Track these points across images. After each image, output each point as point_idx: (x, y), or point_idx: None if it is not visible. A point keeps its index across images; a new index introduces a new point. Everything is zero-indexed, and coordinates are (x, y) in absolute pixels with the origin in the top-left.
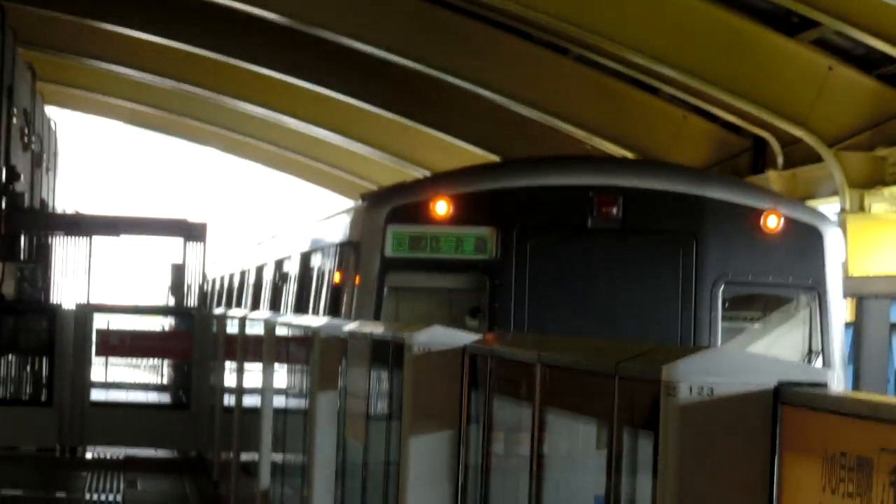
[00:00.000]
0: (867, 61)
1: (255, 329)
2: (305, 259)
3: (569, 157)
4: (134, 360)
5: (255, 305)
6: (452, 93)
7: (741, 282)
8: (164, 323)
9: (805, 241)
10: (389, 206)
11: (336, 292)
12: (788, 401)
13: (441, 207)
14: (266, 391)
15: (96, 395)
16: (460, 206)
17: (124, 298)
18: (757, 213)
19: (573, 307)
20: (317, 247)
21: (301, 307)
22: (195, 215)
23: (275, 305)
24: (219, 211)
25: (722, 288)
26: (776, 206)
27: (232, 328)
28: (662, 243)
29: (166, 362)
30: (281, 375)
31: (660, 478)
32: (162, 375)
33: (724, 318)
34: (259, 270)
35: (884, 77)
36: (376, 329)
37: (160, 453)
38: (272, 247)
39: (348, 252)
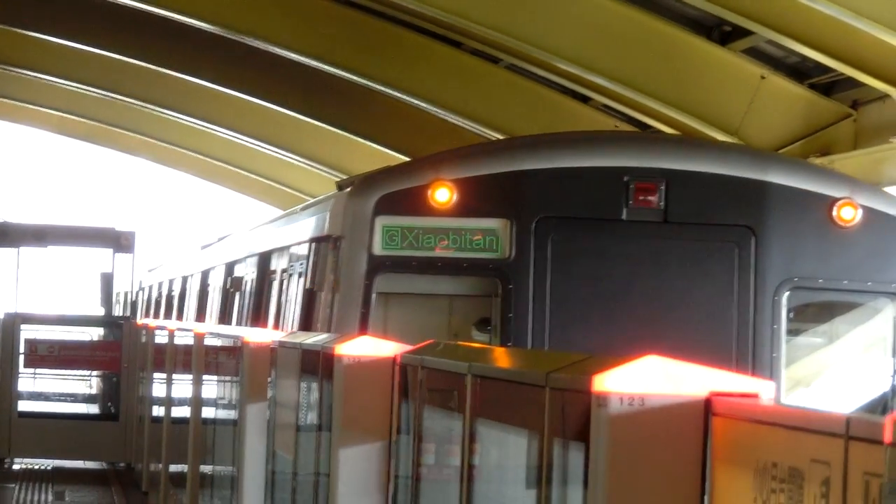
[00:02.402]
0: (799, 70)
1: (185, 339)
2: (265, 261)
3: (600, 133)
4: (63, 371)
5: (201, 316)
6: (384, 102)
7: (810, 286)
8: (93, 333)
9: (888, 237)
10: (378, 192)
11: (309, 300)
12: (719, 412)
13: (442, 195)
14: (195, 402)
15: (24, 406)
16: (466, 193)
17: (53, 308)
18: (829, 203)
19: (605, 318)
20: (282, 245)
21: (261, 318)
22: (124, 225)
23: (225, 316)
24: (148, 221)
25: (786, 294)
26: (852, 195)
27: (161, 339)
28: (714, 239)
29: (95, 373)
30: (211, 386)
31: (590, 489)
32: (91, 386)
33: (788, 331)
34: (204, 276)
35: (816, 86)
36: (306, 339)
37: (89, 465)
38: (222, 249)
39: (325, 250)
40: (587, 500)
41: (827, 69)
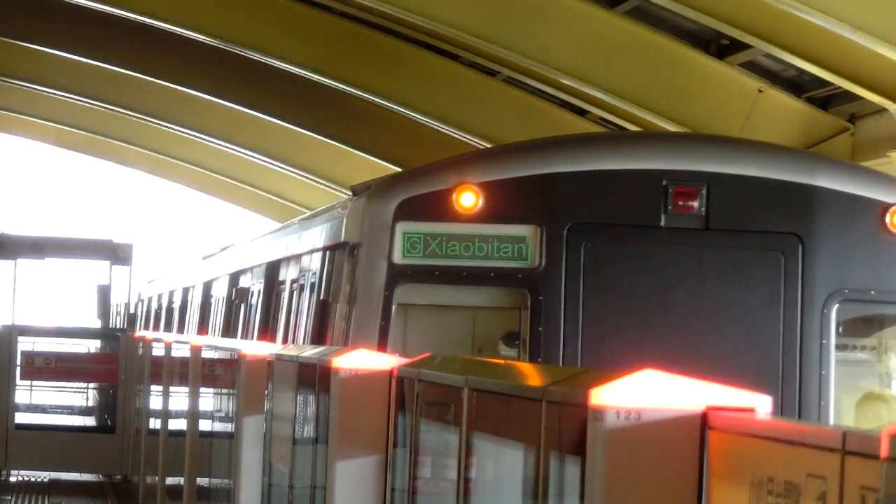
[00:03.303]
0: (797, 84)
1: (182, 352)
2: (273, 271)
3: (636, 133)
4: (60, 383)
5: (203, 329)
6: (381, 114)
7: (861, 298)
8: (90, 345)
9: None
10: (399, 196)
11: (323, 312)
12: (716, 426)
13: (468, 199)
14: (192, 414)
15: (21, 418)
16: (493, 197)
17: (50, 320)
18: (881, 209)
19: (641, 333)
20: (293, 254)
21: (269, 331)
22: (122, 236)
23: (230, 329)
24: (146, 233)
25: (836, 307)
26: None
27: (158, 351)
28: (758, 247)
29: (92, 385)
30: (208, 399)
31: (587, 503)
32: (88, 398)
33: (837, 347)
34: (207, 287)
35: (814, 100)
36: (302, 351)
37: (85, 477)
38: (226, 259)
39: (341, 258)
40: None
41: (824, 83)
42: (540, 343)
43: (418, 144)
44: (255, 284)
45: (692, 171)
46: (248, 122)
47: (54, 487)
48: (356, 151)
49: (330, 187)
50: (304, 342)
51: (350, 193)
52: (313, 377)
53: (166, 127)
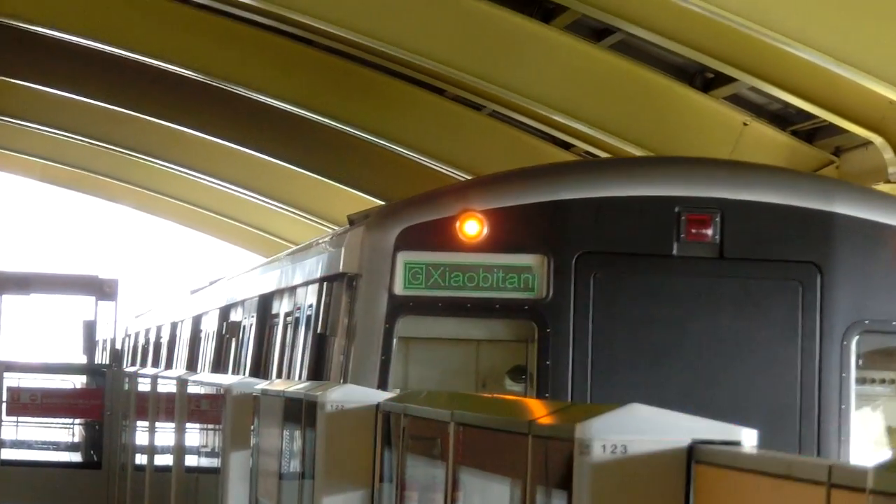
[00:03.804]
0: (782, 117)
1: (168, 387)
2: (266, 304)
3: (647, 158)
4: (45, 419)
5: (193, 365)
6: (366, 149)
7: (882, 329)
8: (75, 381)
9: None
10: (400, 225)
11: (319, 346)
12: (702, 459)
13: (471, 227)
14: (178, 450)
15: (6, 454)
16: (498, 226)
17: (36, 356)
18: None
19: (653, 366)
20: (287, 286)
21: (262, 367)
22: (107, 272)
23: (220, 365)
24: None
25: (856, 338)
26: None
27: (144, 386)
28: (775, 277)
29: (78, 421)
30: (194, 434)
31: None
32: (74, 434)
33: (858, 380)
34: (196, 322)
35: (799, 133)
36: (288, 387)
37: None
38: (216, 292)
39: (339, 290)
40: None
41: (810, 116)
42: (548, 377)
43: (404, 178)
44: (246, 318)
45: (706, 197)
46: (233, 156)
47: None
48: (342, 186)
49: (316, 222)
50: (299, 378)
51: (347, 223)
52: (299, 412)
53: (152, 162)
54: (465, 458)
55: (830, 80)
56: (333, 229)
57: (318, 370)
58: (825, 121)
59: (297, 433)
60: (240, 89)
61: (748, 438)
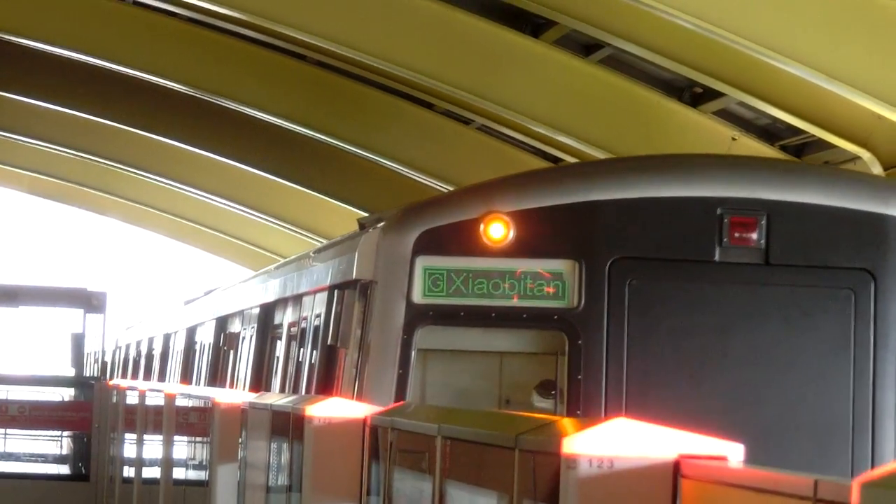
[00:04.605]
0: (770, 132)
1: (156, 400)
2: (268, 314)
3: (687, 156)
4: (33, 431)
5: (186, 378)
6: (355, 162)
7: None
8: (64, 393)
9: None
10: (419, 228)
11: (329, 359)
12: (688, 474)
13: (496, 230)
14: (166, 463)
15: None
16: (525, 229)
17: (23, 368)
18: None
19: (694, 382)
20: (291, 294)
21: (263, 381)
22: (96, 284)
23: (218, 378)
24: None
25: None
26: None
27: (132, 399)
28: (825, 285)
29: (66, 433)
30: (182, 447)
31: None
32: (62, 447)
33: None
34: (191, 333)
35: (787, 148)
36: (276, 400)
37: None
38: (212, 302)
39: (352, 298)
40: None
41: (798, 131)
42: (579, 393)
43: (393, 192)
44: (246, 329)
45: (751, 198)
46: (221, 169)
47: None
48: (330, 199)
49: (304, 235)
50: (306, 392)
51: (357, 228)
52: (287, 425)
53: (140, 175)
54: (452, 472)
55: (818, 95)
56: (321, 242)
57: (327, 384)
58: (813, 136)
59: (285, 446)
60: (228, 103)
61: (734, 453)
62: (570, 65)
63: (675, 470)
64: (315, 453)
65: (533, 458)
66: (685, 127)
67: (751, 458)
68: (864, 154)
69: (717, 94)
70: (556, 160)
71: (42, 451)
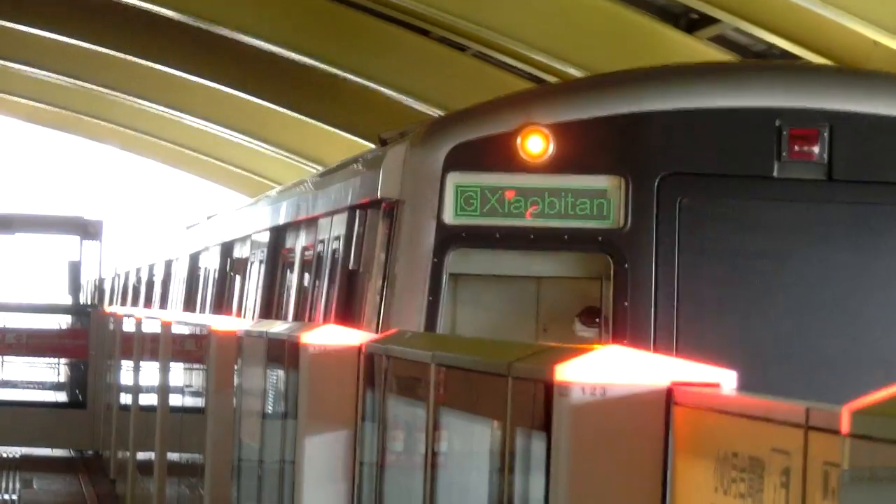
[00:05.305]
0: (766, 58)
1: (152, 327)
2: (279, 237)
3: (744, 64)
4: (30, 359)
5: (190, 306)
6: (351, 90)
7: None
8: (60, 321)
9: None
10: (450, 142)
11: (349, 285)
12: (681, 401)
13: (535, 144)
14: (162, 390)
15: None
16: (566, 143)
17: (20, 296)
18: None
19: (750, 308)
20: (306, 217)
21: (274, 308)
22: (92, 212)
23: (222, 306)
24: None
25: None
26: None
27: (128, 327)
28: (894, 202)
29: (63, 360)
30: (178, 374)
31: (552, 479)
32: (59, 374)
33: None
34: (194, 259)
35: None
36: (271, 327)
37: (56, 452)
38: (217, 226)
39: (375, 219)
40: (549, 488)
41: (793, 57)
42: (626, 321)
43: (388, 120)
44: (255, 254)
45: (812, 109)
46: (219, 98)
47: (25, 463)
48: (327, 126)
49: (301, 162)
50: (323, 321)
51: (378, 144)
52: (283, 353)
53: (137, 103)
54: (446, 399)
55: (815, 21)
56: (317, 169)
57: (347, 312)
58: (809, 62)
59: (281, 374)
60: (225, 31)
61: (727, 380)
62: None
63: (668, 397)
64: (310, 380)
65: (526, 385)
66: (680, 53)
67: (814, 394)
68: None
69: (712, 21)
70: None
71: (39, 378)
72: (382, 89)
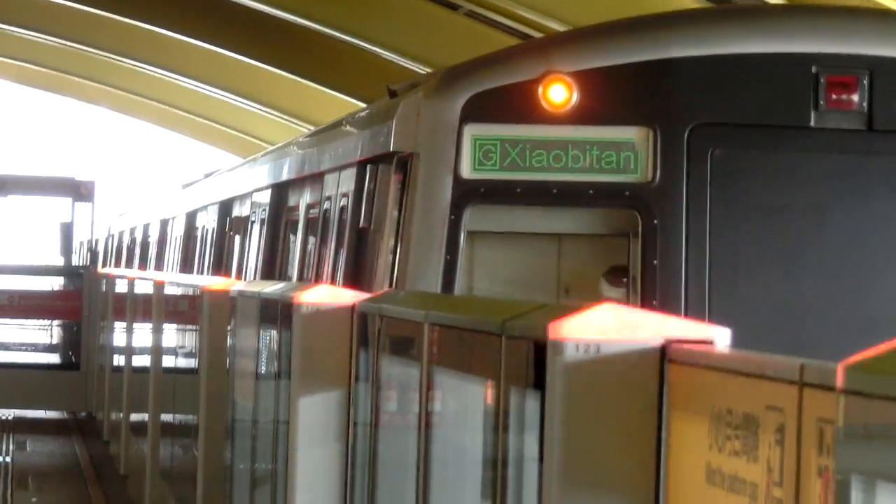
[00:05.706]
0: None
1: (145, 288)
2: (282, 194)
3: (778, 7)
4: (23, 320)
5: (187, 266)
6: (344, 50)
7: None
8: (53, 282)
9: None
10: (468, 91)
11: (360, 243)
12: (675, 358)
13: (558, 93)
14: (156, 351)
15: None
16: (591, 92)
17: (12, 258)
18: None
19: (787, 265)
20: (311, 172)
21: (277, 269)
22: (84, 174)
23: (222, 267)
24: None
25: None
26: None
27: (121, 287)
28: None
29: (56, 322)
30: (171, 335)
31: (546, 437)
32: (52, 335)
33: None
34: (191, 219)
35: None
36: (265, 287)
37: (50, 414)
38: (215, 185)
39: (388, 174)
40: (544, 446)
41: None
42: (655, 281)
43: (381, 80)
44: (256, 213)
45: (850, 54)
46: (211, 58)
47: (19, 425)
48: (319, 87)
49: (294, 123)
50: (332, 281)
51: (388, 95)
52: (276, 313)
53: (129, 64)
54: (439, 359)
55: None
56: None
57: (356, 273)
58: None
59: (275, 334)
60: None
61: (721, 337)
62: None
63: (662, 354)
64: (304, 340)
65: (519, 343)
66: (676, 4)
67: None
68: None
69: None
70: None
71: (32, 340)
72: (374, 48)
